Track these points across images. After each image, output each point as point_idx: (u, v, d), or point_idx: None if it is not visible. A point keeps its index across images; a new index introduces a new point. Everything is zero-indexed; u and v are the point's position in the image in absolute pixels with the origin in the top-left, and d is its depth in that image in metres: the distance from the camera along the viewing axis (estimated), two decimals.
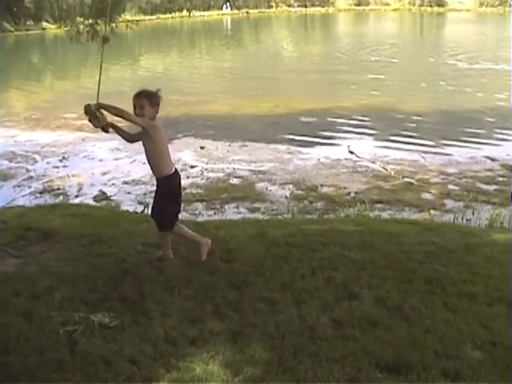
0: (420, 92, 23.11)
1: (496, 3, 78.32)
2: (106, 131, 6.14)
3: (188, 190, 11.73)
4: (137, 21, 9.49)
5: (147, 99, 5.97)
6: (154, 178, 6.35)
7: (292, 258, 6.46)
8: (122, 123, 6.27)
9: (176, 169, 6.26)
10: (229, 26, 70.27)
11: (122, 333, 4.79)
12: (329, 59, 34.49)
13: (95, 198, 11.56)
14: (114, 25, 8.04)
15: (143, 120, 5.88)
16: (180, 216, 9.67)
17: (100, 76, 6.48)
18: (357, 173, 13.02)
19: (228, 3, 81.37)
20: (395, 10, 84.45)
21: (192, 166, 13.53)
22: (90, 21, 7.94)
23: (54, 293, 5.47)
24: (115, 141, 16.13)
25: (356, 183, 12.26)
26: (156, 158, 6.13)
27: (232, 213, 10.60)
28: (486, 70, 27.80)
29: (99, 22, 7.89)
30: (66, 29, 8.11)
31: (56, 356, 4.43)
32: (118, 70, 32.16)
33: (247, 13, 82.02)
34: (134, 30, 9.19)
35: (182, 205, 10.76)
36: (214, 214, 10.56)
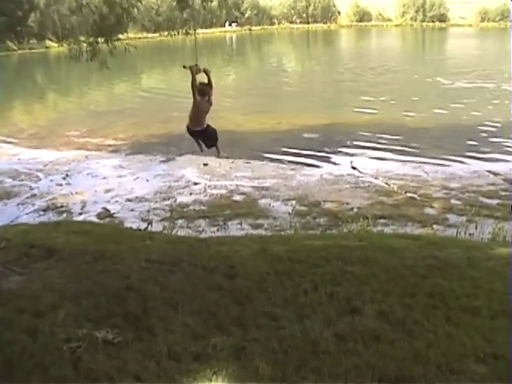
0: (421, 108, 23.10)
1: (497, 18, 78.63)
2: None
3: (191, 207, 11.79)
4: (139, 38, 9.54)
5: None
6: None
7: (295, 273, 6.48)
8: None
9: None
10: (233, 44, 70.68)
11: (125, 349, 4.81)
12: (330, 77, 34.59)
13: (99, 216, 11.58)
14: (113, 46, 8.15)
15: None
16: (183, 232, 9.77)
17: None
18: (359, 188, 13.03)
19: (234, 23, 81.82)
20: (397, 25, 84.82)
21: (195, 183, 13.58)
22: (91, 39, 8.01)
23: (58, 310, 5.50)
24: (118, 158, 16.25)
25: (359, 199, 12.27)
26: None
27: (235, 229, 10.61)
28: (486, 88, 27.79)
29: (100, 40, 7.99)
30: (69, 47, 8.16)
31: (60, 373, 4.46)
32: (121, 87, 32.36)
33: (250, 30, 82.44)
34: (134, 50, 9.32)
35: (185, 221, 10.88)
36: (217, 230, 10.58)
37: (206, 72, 8.52)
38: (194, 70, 8.30)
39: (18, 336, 4.99)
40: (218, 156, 9.38)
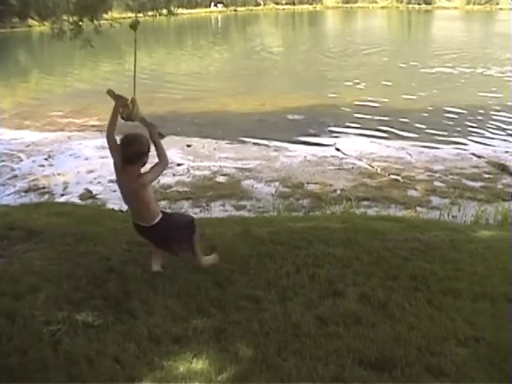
0: (406, 91, 23.10)
1: (483, 1, 78.70)
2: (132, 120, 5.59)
3: (174, 188, 11.73)
4: (123, 18, 9.37)
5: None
6: None
7: (277, 255, 6.45)
8: None
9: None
10: (219, 24, 70.31)
11: (105, 331, 4.77)
12: (316, 59, 34.46)
13: (81, 197, 11.51)
14: (98, 23, 7.98)
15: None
16: None
17: (135, 66, 5.98)
18: (343, 170, 13.03)
19: (220, 4, 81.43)
20: (383, 7, 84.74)
21: (178, 164, 13.49)
22: (75, 18, 7.86)
23: (38, 292, 5.44)
24: (101, 139, 16.07)
25: (342, 180, 12.26)
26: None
27: (218, 210, 10.59)
28: (474, 72, 27.83)
29: (83, 19, 7.83)
30: (51, 26, 8.00)
31: (39, 355, 4.41)
32: (105, 68, 32.07)
33: (235, 10, 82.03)
34: (119, 27, 9.11)
35: (168, 202, 10.80)
36: (200, 211, 10.54)
37: (149, 128, 5.40)
38: (120, 104, 5.40)
39: None
40: (199, 264, 5.97)
